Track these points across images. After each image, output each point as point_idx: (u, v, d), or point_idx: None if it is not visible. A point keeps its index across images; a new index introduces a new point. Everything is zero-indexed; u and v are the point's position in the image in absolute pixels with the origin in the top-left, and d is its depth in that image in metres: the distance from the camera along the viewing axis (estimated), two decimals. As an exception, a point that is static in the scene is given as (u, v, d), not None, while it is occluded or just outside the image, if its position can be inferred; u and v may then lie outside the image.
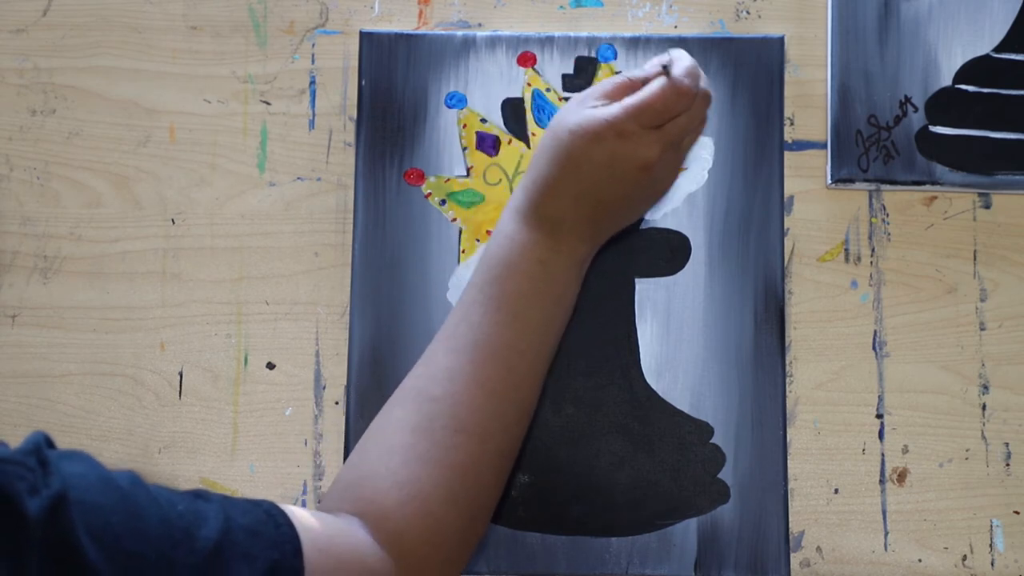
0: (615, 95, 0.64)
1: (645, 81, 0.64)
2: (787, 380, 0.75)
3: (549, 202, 0.63)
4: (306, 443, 0.75)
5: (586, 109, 0.63)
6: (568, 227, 0.64)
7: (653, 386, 0.74)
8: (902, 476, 0.74)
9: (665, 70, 0.62)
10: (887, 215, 0.76)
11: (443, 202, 0.76)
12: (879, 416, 0.75)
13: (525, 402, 0.64)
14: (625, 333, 0.75)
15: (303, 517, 0.55)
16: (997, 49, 0.77)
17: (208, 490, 0.53)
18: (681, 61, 0.63)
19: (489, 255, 0.64)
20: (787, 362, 0.75)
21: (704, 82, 0.64)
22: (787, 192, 0.76)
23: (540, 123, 0.77)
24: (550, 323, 0.65)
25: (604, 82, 0.65)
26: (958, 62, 0.77)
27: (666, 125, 0.63)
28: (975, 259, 0.76)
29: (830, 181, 0.76)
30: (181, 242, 0.77)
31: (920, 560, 0.73)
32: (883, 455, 0.74)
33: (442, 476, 0.59)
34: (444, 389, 0.61)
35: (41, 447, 0.45)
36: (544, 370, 0.66)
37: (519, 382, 0.63)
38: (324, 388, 0.76)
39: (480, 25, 0.79)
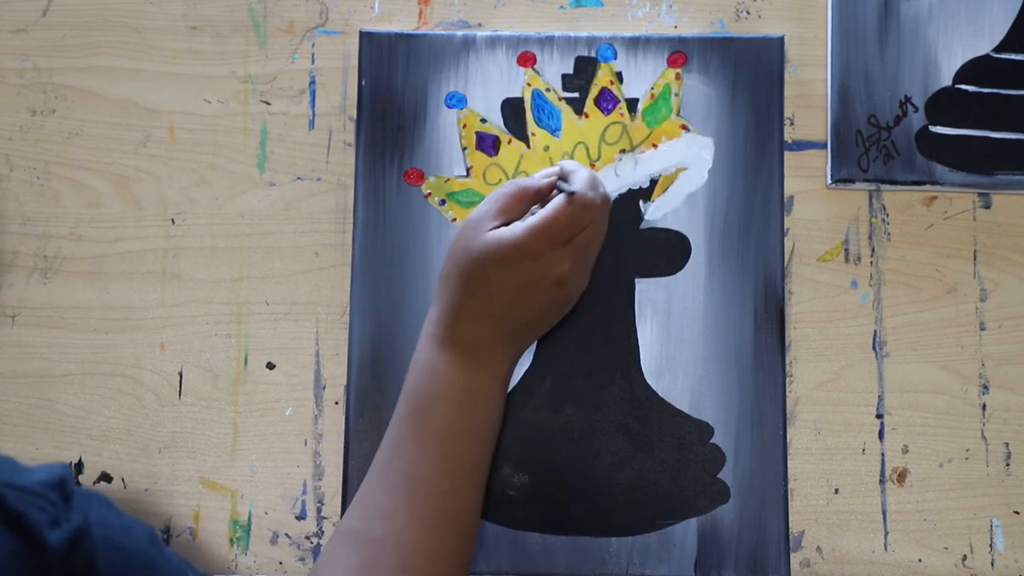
0: (512, 210, 0.65)
1: (538, 191, 0.65)
2: (787, 380, 0.75)
3: (465, 328, 0.64)
4: (306, 443, 0.75)
5: (488, 232, 0.63)
6: (488, 349, 0.64)
7: (653, 386, 0.74)
8: (902, 476, 0.74)
9: (560, 189, 0.63)
10: (887, 215, 0.76)
11: (443, 202, 0.76)
12: (879, 416, 0.75)
13: (466, 529, 0.64)
14: (625, 333, 0.75)
15: None
16: (997, 49, 0.77)
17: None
18: (577, 173, 0.65)
19: (413, 386, 0.64)
20: (787, 362, 0.75)
21: (602, 187, 0.66)
22: (787, 192, 0.76)
23: (540, 123, 0.77)
24: (482, 447, 0.65)
25: (497, 196, 0.66)
26: (958, 62, 0.77)
27: (575, 239, 0.64)
28: (975, 259, 0.76)
29: (830, 181, 0.76)
30: (181, 242, 0.77)
31: (920, 560, 0.73)
32: (883, 455, 0.74)
33: None
34: (385, 529, 0.61)
35: (66, 481, 0.46)
36: (481, 491, 0.66)
37: (458, 512, 0.63)
38: (324, 388, 0.76)
39: (480, 25, 0.79)
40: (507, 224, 0.64)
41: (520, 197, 0.65)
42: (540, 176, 0.67)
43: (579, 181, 0.64)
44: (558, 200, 0.64)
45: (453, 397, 0.63)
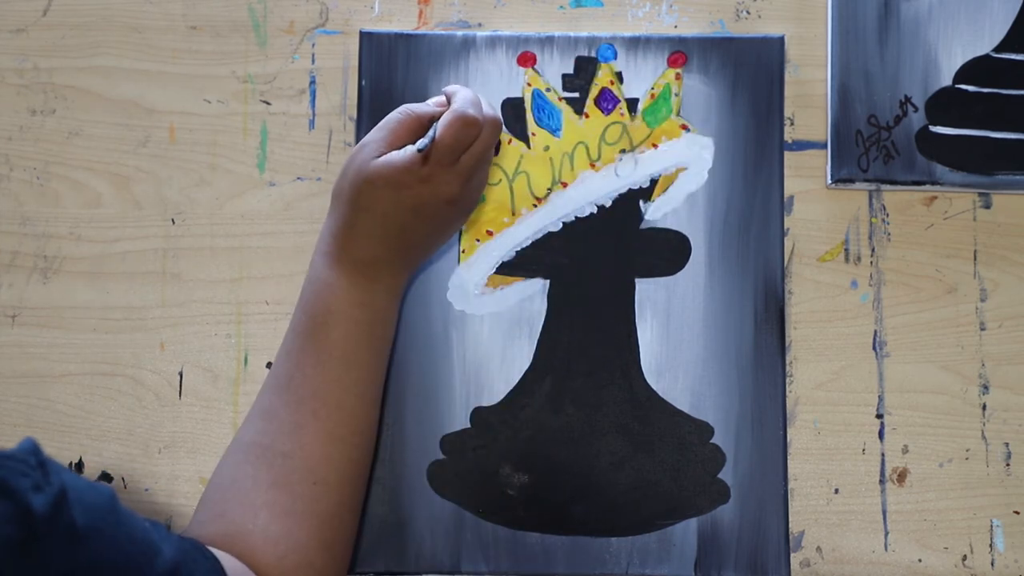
0: (402, 136, 0.66)
1: (430, 118, 0.67)
2: (787, 380, 0.75)
3: (360, 247, 0.66)
4: (306, 443, 0.75)
5: (379, 157, 0.65)
6: (382, 267, 0.66)
7: (653, 386, 0.74)
8: (902, 476, 0.74)
9: (424, 143, 0.64)
10: (887, 215, 0.76)
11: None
12: (879, 416, 0.75)
13: (368, 441, 0.67)
14: (625, 333, 0.75)
15: (220, 556, 0.58)
16: (997, 49, 0.77)
17: (154, 520, 0.56)
18: (460, 93, 0.67)
19: (309, 303, 0.66)
20: (787, 362, 0.75)
21: (488, 107, 0.67)
22: (787, 192, 0.76)
23: (540, 123, 0.77)
24: (380, 360, 0.68)
25: (387, 122, 0.67)
26: (958, 62, 0.76)
27: (462, 158, 0.66)
28: (975, 259, 0.76)
29: (830, 181, 0.76)
30: (181, 242, 0.77)
31: (920, 560, 0.73)
32: (883, 455, 0.74)
33: (312, 526, 0.62)
34: (294, 444, 0.63)
35: (38, 450, 0.47)
36: (379, 405, 0.68)
37: (362, 425, 0.66)
38: (324, 388, 0.76)
39: (480, 25, 0.79)
40: (397, 149, 0.66)
41: (409, 124, 0.67)
42: (431, 103, 0.69)
43: (461, 100, 0.66)
44: (443, 121, 0.65)
45: (351, 313, 0.65)
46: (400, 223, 0.66)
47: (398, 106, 0.76)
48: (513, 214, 0.76)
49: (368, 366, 0.66)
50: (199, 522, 0.63)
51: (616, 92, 0.77)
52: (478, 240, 0.76)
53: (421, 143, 0.64)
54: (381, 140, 0.66)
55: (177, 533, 0.57)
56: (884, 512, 0.73)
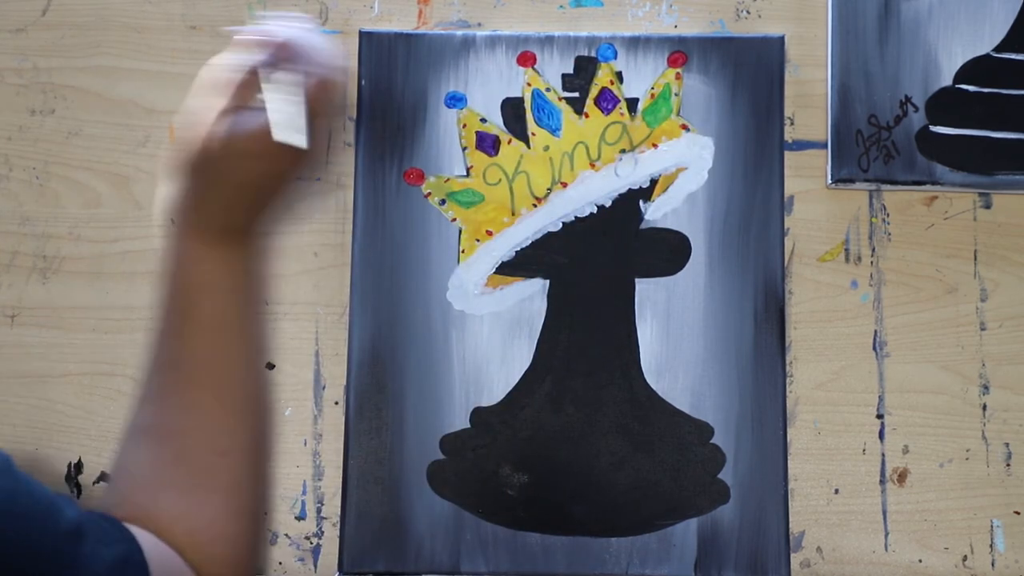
0: (238, 97, 0.61)
1: (280, 47, 0.61)
2: (787, 380, 0.74)
3: (214, 216, 0.62)
4: (305, 443, 0.75)
5: (233, 124, 0.61)
6: (244, 231, 0.63)
7: (653, 386, 0.74)
8: (902, 476, 0.74)
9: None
10: (887, 215, 0.76)
11: (443, 202, 0.76)
12: (879, 416, 0.74)
13: (265, 407, 0.65)
14: (625, 333, 0.75)
15: (134, 529, 0.57)
16: (997, 49, 0.77)
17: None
18: (302, 42, 0.61)
19: (176, 280, 0.63)
20: (787, 362, 0.75)
21: (317, 41, 0.61)
22: (787, 192, 0.76)
23: (540, 123, 0.77)
24: (259, 324, 0.66)
25: (218, 81, 0.62)
26: (958, 62, 0.76)
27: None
28: (975, 259, 0.76)
29: (830, 181, 0.76)
30: (181, 242, 0.77)
31: (920, 560, 0.73)
32: (883, 455, 0.74)
33: (218, 499, 0.61)
34: (190, 421, 0.62)
35: None
36: (264, 358, 0.66)
37: (254, 391, 0.64)
38: (324, 388, 0.76)
39: (480, 25, 0.79)
40: (236, 110, 0.61)
41: (241, 84, 0.62)
42: (256, 48, 0.63)
43: (316, 58, 0.61)
44: (313, 95, 0.60)
45: (222, 282, 0.63)
46: (265, 190, 0.63)
47: (398, 106, 0.76)
48: (513, 214, 0.76)
49: (249, 332, 0.65)
50: (110, 505, 0.63)
51: (616, 92, 0.77)
52: (478, 240, 0.76)
53: (294, 135, 0.59)
54: (219, 104, 0.61)
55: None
56: (884, 512, 0.73)
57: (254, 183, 0.62)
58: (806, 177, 0.77)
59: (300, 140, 0.59)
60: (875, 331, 0.75)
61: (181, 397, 0.62)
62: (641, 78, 0.77)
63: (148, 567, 0.55)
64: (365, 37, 0.78)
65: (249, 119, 0.60)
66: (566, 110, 0.77)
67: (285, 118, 0.59)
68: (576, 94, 0.77)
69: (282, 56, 0.61)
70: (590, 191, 0.76)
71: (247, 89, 0.62)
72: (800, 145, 0.77)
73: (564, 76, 0.77)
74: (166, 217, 0.64)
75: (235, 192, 0.63)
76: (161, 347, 0.65)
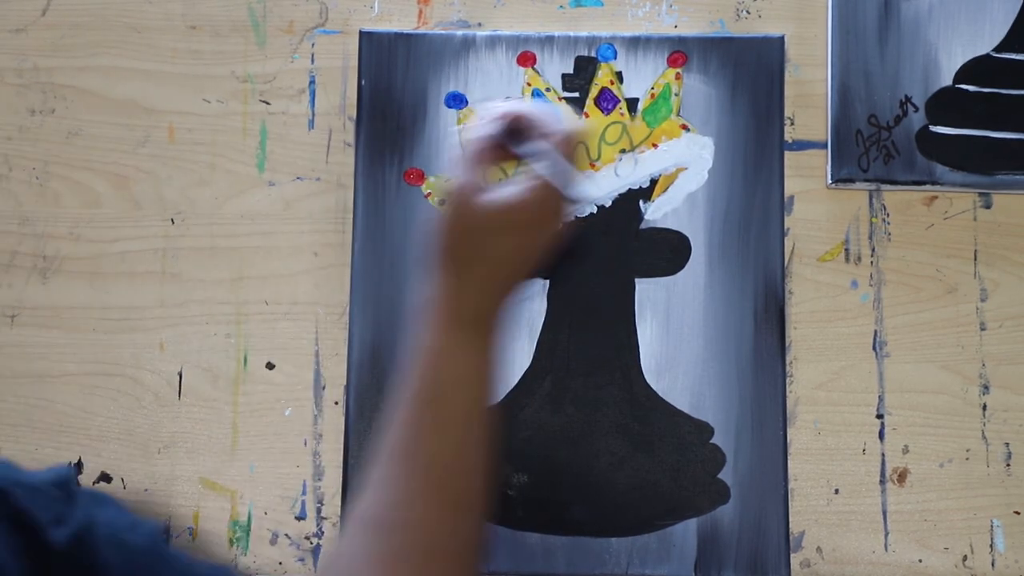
0: (486, 166, 0.61)
1: (515, 118, 0.61)
2: (787, 380, 0.74)
3: (475, 303, 0.61)
4: (306, 443, 0.75)
5: (486, 197, 0.60)
6: (493, 319, 0.62)
7: (653, 386, 0.74)
8: (902, 476, 0.74)
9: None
10: (887, 215, 0.76)
11: (443, 202, 0.76)
12: (879, 416, 0.74)
13: (483, 506, 0.63)
14: (625, 333, 0.75)
15: None
16: (997, 49, 0.77)
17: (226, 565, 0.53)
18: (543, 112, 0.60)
19: (426, 373, 0.62)
20: (787, 362, 0.75)
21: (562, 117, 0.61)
22: (787, 192, 0.76)
23: (540, 123, 0.77)
24: (491, 423, 0.64)
25: (465, 158, 0.61)
26: (958, 62, 0.76)
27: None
28: (975, 259, 0.76)
29: (830, 181, 0.76)
30: (180, 242, 0.77)
31: (920, 560, 0.73)
32: (883, 455, 0.74)
33: None
34: (412, 513, 0.60)
35: (70, 481, 0.45)
36: (490, 459, 0.64)
37: (477, 491, 0.62)
38: (324, 388, 0.76)
39: (480, 25, 0.79)
40: (485, 184, 0.61)
41: (487, 154, 0.62)
42: (491, 122, 0.62)
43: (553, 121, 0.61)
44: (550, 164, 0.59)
45: (472, 380, 0.62)
46: (520, 267, 0.61)
47: (398, 106, 0.76)
48: (513, 214, 0.76)
49: (484, 432, 0.63)
50: None
51: (616, 92, 0.77)
52: (478, 240, 0.76)
53: (573, 208, 0.59)
54: (476, 180, 0.60)
55: None
56: (884, 512, 0.73)
57: (513, 258, 0.61)
58: (806, 177, 0.77)
59: (576, 198, 0.58)
60: (875, 331, 0.75)
61: (408, 487, 0.60)
62: (641, 78, 0.77)
63: None
64: (365, 37, 0.78)
65: (505, 193, 0.59)
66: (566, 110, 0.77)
67: (560, 179, 0.58)
68: (576, 94, 0.77)
69: (522, 127, 0.61)
70: (590, 191, 0.76)
71: (496, 164, 0.61)
72: (800, 145, 0.77)
73: (564, 76, 0.77)
74: (418, 311, 0.62)
75: (494, 272, 0.61)
76: (395, 434, 0.62)
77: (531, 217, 0.59)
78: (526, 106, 0.61)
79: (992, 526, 0.73)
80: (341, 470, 0.74)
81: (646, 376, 0.74)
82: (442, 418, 0.61)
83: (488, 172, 0.61)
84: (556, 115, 0.61)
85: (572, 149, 0.60)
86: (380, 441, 0.63)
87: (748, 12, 0.78)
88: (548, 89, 0.77)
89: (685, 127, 0.77)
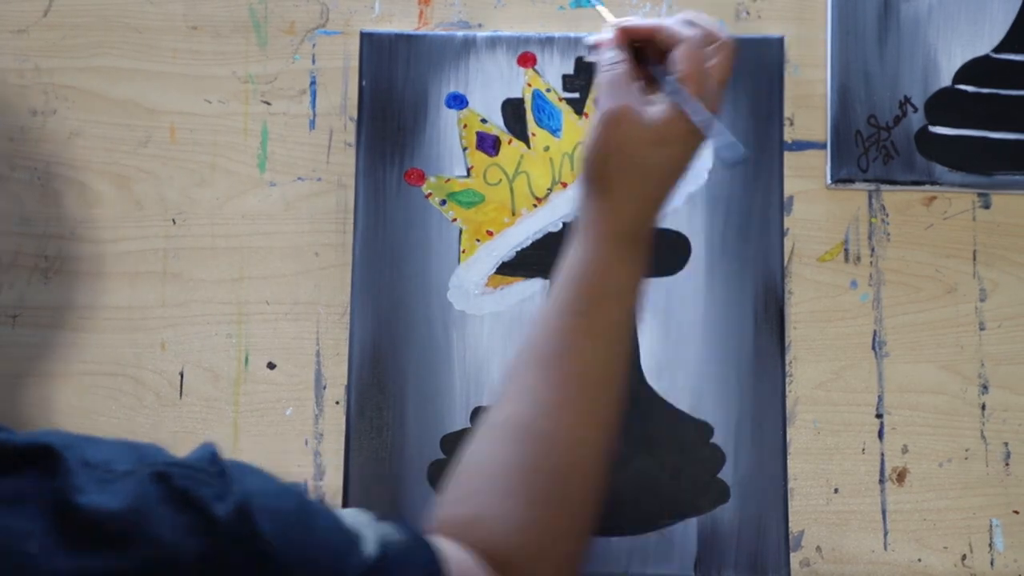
0: (629, 83, 0.60)
1: (661, 32, 0.59)
2: (787, 380, 0.75)
3: (633, 217, 0.61)
4: (306, 443, 0.75)
5: (647, 108, 0.59)
6: (647, 234, 0.62)
7: (653, 386, 0.74)
8: (902, 476, 0.74)
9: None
10: (887, 215, 0.77)
11: (443, 202, 0.76)
12: (879, 416, 0.75)
13: (619, 424, 0.62)
14: (625, 333, 0.75)
15: (444, 546, 0.54)
16: (997, 49, 0.77)
17: (361, 510, 0.53)
18: (697, 20, 0.59)
19: (583, 282, 0.62)
20: (787, 362, 0.75)
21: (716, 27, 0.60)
22: (787, 192, 0.76)
23: (540, 123, 0.77)
24: (636, 330, 0.64)
25: (611, 78, 0.60)
26: (958, 62, 0.77)
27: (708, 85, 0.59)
28: (975, 259, 0.76)
29: (830, 181, 0.76)
30: (181, 242, 0.77)
31: (920, 560, 0.73)
32: (883, 455, 0.74)
33: (562, 514, 0.58)
34: (555, 423, 0.59)
35: (216, 457, 0.45)
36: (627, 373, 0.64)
37: (620, 404, 0.62)
38: (325, 388, 0.76)
39: (480, 25, 0.79)
40: (636, 100, 0.60)
41: (628, 73, 0.60)
42: (635, 25, 0.62)
43: (696, 23, 0.59)
44: (704, 54, 0.58)
45: (628, 289, 0.62)
46: (672, 179, 0.61)
47: (399, 107, 0.76)
48: (513, 214, 0.76)
49: (631, 339, 0.63)
50: (448, 501, 0.60)
51: (616, 92, 0.77)
52: (478, 240, 0.76)
53: (696, 114, 0.57)
54: (633, 88, 0.60)
55: (405, 523, 0.54)
56: (884, 512, 0.74)
57: (662, 172, 0.60)
58: (806, 177, 0.77)
59: (710, 121, 0.57)
60: (874, 331, 0.75)
61: (553, 397, 0.60)
62: (641, 78, 0.77)
63: None
64: (366, 38, 0.78)
65: (653, 111, 0.59)
66: (566, 111, 0.77)
67: (691, 105, 0.57)
68: (576, 95, 0.77)
69: (660, 40, 0.60)
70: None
71: (637, 81, 0.60)
72: (800, 145, 0.77)
73: (564, 77, 0.77)
74: (574, 222, 0.62)
75: (646, 186, 0.61)
76: (544, 344, 0.61)
77: (678, 133, 0.59)
78: (657, 22, 0.60)
79: (991, 525, 0.73)
80: (342, 470, 0.74)
81: (646, 376, 0.74)
82: (596, 330, 0.61)
83: (631, 89, 0.60)
84: (701, 24, 0.59)
85: (723, 59, 0.58)
86: (523, 349, 0.62)
87: (748, 13, 0.79)
88: (548, 90, 0.77)
89: (685, 127, 0.77)
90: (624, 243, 0.62)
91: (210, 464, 0.45)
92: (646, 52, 0.60)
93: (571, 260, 0.62)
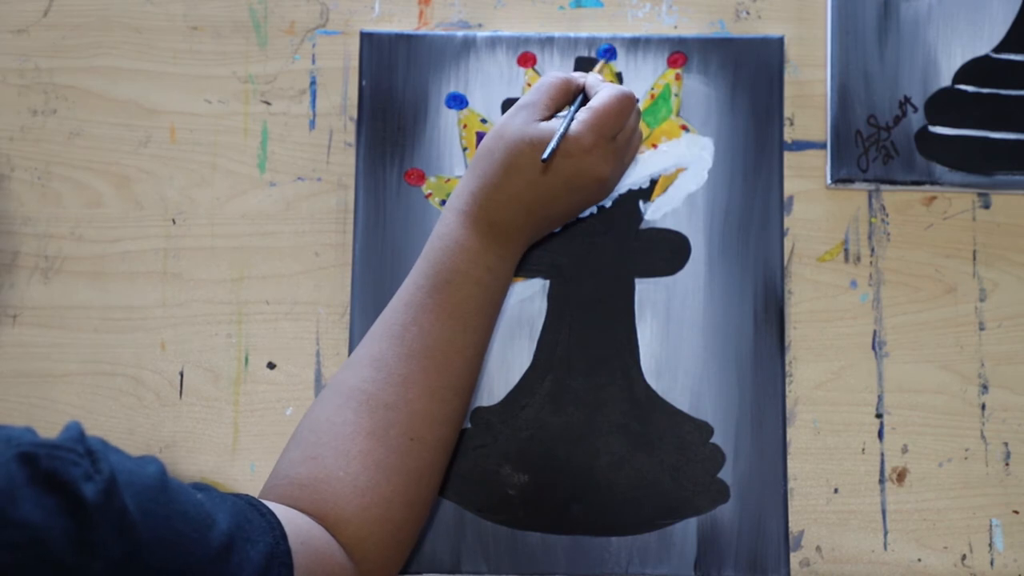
0: (558, 99, 0.67)
1: (579, 87, 0.68)
2: (787, 380, 0.75)
3: (498, 210, 0.66)
4: (307, 443, 0.75)
5: (540, 122, 0.65)
6: (515, 232, 0.66)
7: (653, 386, 0.74)
8: (901, 476, 0.74)
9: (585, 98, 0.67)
10: (887, 215, 0.77)
11: (443, 202, 0.76)
12: (879, 416, 0.75)
13: (468, 403, 0.67)
14: (625, 333, 0.75)
15: (279, 510, 0.57)
16: (997, 49, 0.77)
17: (202, 483, 0.55)
18: (600, 86, 0.68)
19: (437, 259, 0.66)
20: (787, 362, 0.75)
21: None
22: (787, 192, 0.76)
23: (540, 123, 0.77)
24: (491, 325, 0.68)
25: (545, 86, 0.68)
26: (958, 62, 0.77)
27: (618, 136, 0.66)
28: (974, 259, 0.76)
29: (830, 181, 0.76)
30: (182, 242, 0.77)
31: (919, 560, 0.73)
32: (883, 455, 0.74)
33: (400, 482, 0.61)
34: (398, 396, 0.63)
35: (84, 436, 0.46)
36: (480, 370, 0.68)
37: (466, 386, 0.66)
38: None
39: (480, 25, 0.79)
40: (550, 115, 0.67)
41: (565, 90, 0.68)
42: (582, 74, 0.71)
43: (610, 85, 0.68)
44: (604, 92, 0.66)
45: (479, 276, 0.65)
46: (547, 193, 0.66)
47: (399, 107, 0.77)
48: (513, 214, 0.76)
49: (482, 330, 0.66)
50: (290, 461, 0.62)
51: (616, 92, 0.77)
52: (478, 240, 0.76)
53: (570, 115, 0.65)
54: (541, 104, 0.67)
55: (235, 493, 0.56)
56: (883, 512, 0.74)
57: (550, 186, 0.65)
58: (805, 177, 0.77)
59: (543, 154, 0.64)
60: (874, 331, 0.75)
61: (399, 370, 0.63)
62: (641, 79, 0.77)
63: (292, 556, 0.54)
64: (366, 38, 0.78)
65: (550, 132, 0.65)
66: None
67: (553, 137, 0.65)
68: (576, 94, 0.77)
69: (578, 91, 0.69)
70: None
71: (565, 96, 0.68)
72: (799, 145, 0.77)
73: (564, 76, 0.77)
74: (450, 203, 0.67)
75: (528, 189, 0.65)
76: (395, 316, 0.65)
77: (572, 151, 0.65)
78: (621, 88, 0.68)
79: (991, 525, 0.73)
80: (342, 470, 0.74)
81: (646, 376, 0.74)
82: (444, 308, 0.64)
83: (555, 101, 0.68)
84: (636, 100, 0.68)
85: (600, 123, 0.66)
86: (380, 319, 0.65)
87: (748, 13, 0.79)
88: (548, 89, 0.77)
89: (685, 128, 0.77)
90: (482, 230, 0.65)
91: (77, 443, 0.45)
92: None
93: (431, 237, 0.67)
